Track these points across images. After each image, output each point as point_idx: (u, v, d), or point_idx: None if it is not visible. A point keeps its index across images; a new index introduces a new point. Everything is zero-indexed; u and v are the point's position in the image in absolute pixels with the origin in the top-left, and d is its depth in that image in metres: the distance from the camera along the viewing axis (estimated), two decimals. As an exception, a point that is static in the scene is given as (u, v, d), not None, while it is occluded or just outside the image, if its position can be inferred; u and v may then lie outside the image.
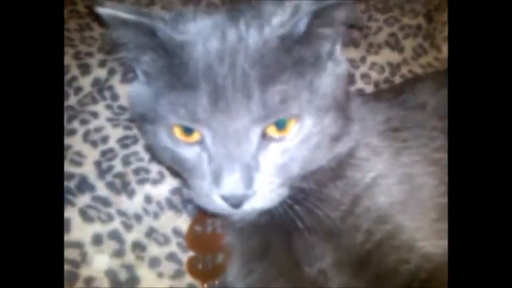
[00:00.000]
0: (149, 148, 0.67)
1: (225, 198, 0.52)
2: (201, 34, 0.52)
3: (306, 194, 0.56)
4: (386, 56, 1.01)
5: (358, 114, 0.63)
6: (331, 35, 0.54)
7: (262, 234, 0.60)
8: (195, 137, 0.53)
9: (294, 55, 0.51)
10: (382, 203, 0.56)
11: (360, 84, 0.97)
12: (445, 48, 1.06)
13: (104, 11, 0.51)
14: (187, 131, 0.52)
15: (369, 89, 0.96)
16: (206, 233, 0.67)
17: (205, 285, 0.65)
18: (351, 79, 0.97)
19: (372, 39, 1.03)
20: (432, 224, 0.56)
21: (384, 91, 0.86)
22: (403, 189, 0.58)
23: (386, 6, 1.09)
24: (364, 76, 0.98)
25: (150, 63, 0.54)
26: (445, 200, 0.58)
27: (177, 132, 0.53)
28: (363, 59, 1.00)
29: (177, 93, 0.51)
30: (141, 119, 0.57)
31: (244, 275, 0.61)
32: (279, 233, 0.59)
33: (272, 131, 0.52)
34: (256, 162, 0.51)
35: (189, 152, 0.53)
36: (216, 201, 0.53)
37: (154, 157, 0.67)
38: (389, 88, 0.88)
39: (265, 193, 0.52)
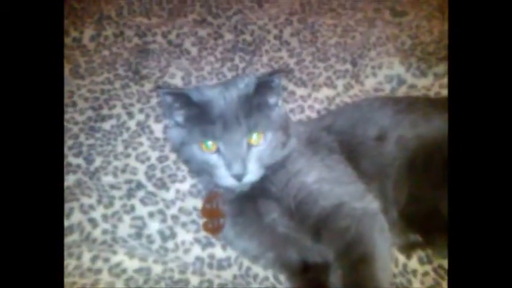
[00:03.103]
0: (186, 161, 1.05)
1: (234, 176, 0.94)
2: (214, 96, 0.98)
3: (267, 176, 1.01)
4: (325, 92, 1.48)
5: (294, 132, 1.08)
6: (272, 93, 1.02)
7: (241, 204, 1.05)
8: (213, 147, 0.95)
9: (253, 103, 0.97)
10: (303, 181, 1.03)
11: (307, 112, 1.42)
12: (367, 82, 1.53)
13: (164, 90, 0.98)
14: (209, 145, 0.95)
15: (314, 115, 1.42)
16: (213, 207, 1.09)
17: (214, 236, 1.12)
18: (301, 109, 1.46)
19: (315, 81, 1.52)
20: (332, 189, 1.03)
21: (319, 117, 1.35)
22: (317, 172, 1.05)
23: (326, 56, 1.60)
24: (310, 107, 1.44)
25: (184, 114, 0.98)
26: (348, 178, 1.06)
27: (203, 147, 0.95)
28: (309, 95, 1.47)
29: (204, 126, 0.95)
30: (181, 145, 0.99)
31: (233, 227, 1.07)
32: (251, 201, 1.03)
33: (252, 140, 0.96)
34: (247, 157, 0.96)
35: (211, 157, 0.97)
36: (229, 179, 0.95)
37: (189, 166, 1.07)
38: (321, 115, 1.37)
39: (253, 172, 0.96)
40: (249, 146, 0.96)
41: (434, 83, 1.46)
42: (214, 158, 0.96)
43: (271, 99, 1.01)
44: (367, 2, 1.84)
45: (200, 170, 1.03)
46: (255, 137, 0.96)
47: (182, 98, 0.97)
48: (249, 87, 0.98)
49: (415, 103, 1.18)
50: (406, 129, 1.09)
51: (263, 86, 0.98)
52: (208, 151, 0.96)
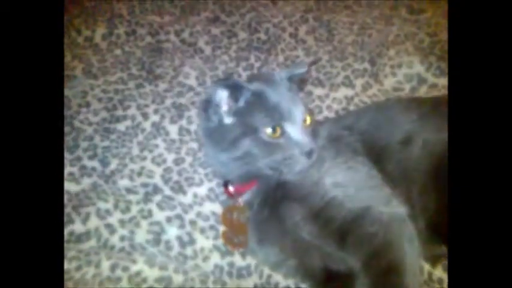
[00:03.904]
0: (240, 157, 0.97)
1: (306, 153, 0.94)
2: (261, 88, 0.97)
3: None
4: (343, 91, 1.46)
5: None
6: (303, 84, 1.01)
7: (263, 210, 1.01)
8: (278, 132, 0.93)
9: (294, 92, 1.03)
10: (328, 183, 0.98)
11: (325, 113, 1.40)
12: (386, 82, 1.50)
13: (224, 83, 0.96)
14: (275, 130, 0.93)
15: (332, 116, 1.39)
16: (233, 219, 1.06)
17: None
18: (319, 110, 1.43)
19: (332, 80, 1.49)
20: (358, 193, 0.99)
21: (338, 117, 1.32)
22: (342, 175, 1.01)
23: (343, 55, 1.56)
24: (328, 107, 1.42)
25: (238, 107, 0.96)
26: (373, 181, 1.03)
27: (268, 134, 0.93)
28: (327, 95, 1.44)
29: (264, 114, 0.94)
30: (235, 140, 0.95)
31: (255, 234, 1.04)
32: (273, 207, 0.99)
33: (306, 122, 0.97)
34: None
35: (279, 141, 0.94)
36: (301, 159, 0.94)
37: (243, 161, 0.97)
38: (339, 115, 1.34)
39: (316, 150, 0.96)
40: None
41: (455, 83, 1.42)
42: (282, 141, 0.95)
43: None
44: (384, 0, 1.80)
45: (256, 162, 0.97)
46: (308, 118, 0.99)
47: (239, 89, 0.96)
48: (285, 80, 1.03)
49: (439, 105, 1.14)
50: (431, 133, 1.06)
51: (296, 78, 1.06)
52: (274, 137, 0.95)
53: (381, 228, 0.93)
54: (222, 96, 0.96)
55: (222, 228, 1.11)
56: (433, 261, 1.05)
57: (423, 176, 1.03)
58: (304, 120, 0.98)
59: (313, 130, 1.01)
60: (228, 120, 0.97)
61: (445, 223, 0.99)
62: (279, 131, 0.94)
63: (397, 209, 0.97)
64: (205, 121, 1.01)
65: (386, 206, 0.97)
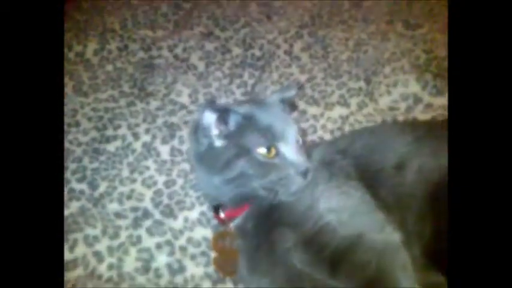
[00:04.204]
0: (234, 179, 0.95)
1: (301, 173, 0.92)
2: (253, 111, 0.96)
3: (286, 202, 0.96)
4: (338, 111, 1.43)
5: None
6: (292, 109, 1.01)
7: (254, 238, 0.99)
8: (273, 152, 0.92)
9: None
10: (321, 209, 0.95)
11: (319, 132, 1.37)
12: (381, 101, 1.48)
13: (211, 107, 0.94)
14: (269, 151, 0.92)
15: (327, 136, 1.37)
16: (224, 245, 1.03)
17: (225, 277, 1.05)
18: (313, 129, 1.40)
19: (327, 99, 1.47)
20: (351, 219, 0.97)
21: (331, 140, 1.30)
22: (335, 201, 0.99)
23: (338, 73, 1.54)
24: (323, 126, 1.39)
25: (227, 130, 0.94)
26: (367, 207, 1.01)
27: (262, 154, 0.92)
28: (322, 114, 1.42)
29: (257, 135, 0.92)
30: (227, 163, 0.93)
31: (246, 263, 1.01)
32: (264, 234, 0.97)
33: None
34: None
35: (274, 161, 0.92)
36: (297, 179, 0.92)
37: (236, 183, 0.95)
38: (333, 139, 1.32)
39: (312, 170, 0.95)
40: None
41: (452, 103, 1.40)
42: (277, 161, 0.94)
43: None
44: (380, 14, 1.78)
45: (250, 183, 0.95)
46: (300, 139, 0.99)
47: (228, 113, 0.95)
48: (277, 102, 1.04)
49: (435, 128, 1.12)
50: (427, 157, 1.03)
51: (287, 102, 1.06)
52: (269, 157, 0.93)
53: (374, 256, 0.91)
54: (211, 120, 0.94)
55: (213, 254, 1.08)
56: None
57: (418, 202, 1.01)
58: (297, 141, 0.97)
59: (306, 151, 1.00)
60: (218, 143, 0.95)
61: (441, 250, 0.98)
62: (273, 151, 0.93)
63: (391, 235, 0.95)
64: (195, 144, 0.99)
65: (380, 233, 0.95)
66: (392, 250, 0.93)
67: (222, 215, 1.03)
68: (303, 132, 1.02)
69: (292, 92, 1.08)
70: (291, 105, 1.11)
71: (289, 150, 0.95)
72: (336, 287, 0.95)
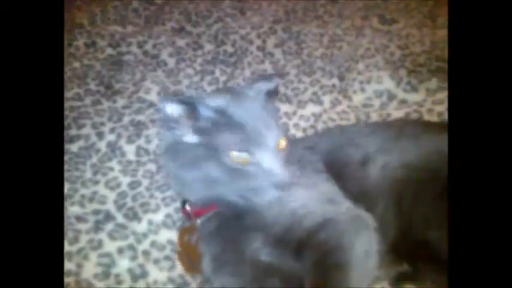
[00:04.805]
0: (200, 180, 0.88)
1: (276, 186, 0.84)
2: (226, 105, 0.86)
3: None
4: (311, 108, 1.39)
5: None
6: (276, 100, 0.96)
7: (221, 237, 0.96)
8: (247, 158, 0.82)
9: (268, 110, 0.91)
10: (292, 206, 0.92)
11: (292, 131, 1.34)
12: (355, 98, 1.44)
13: (172, 99, 0.85)
14: (242, 155, 0.82)
15: (299, 134, 1.35)
16: (190, 242, 0.98)
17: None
18: (285, 127, 1.37)
19: (300, 97, 1.43)
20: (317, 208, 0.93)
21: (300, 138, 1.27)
22: (304, 193, 0.96)
23: (311, 70, 1.50)
24: (296, 125, 1.35)
25: (195, 126, 0.85)
26: (335, 195, 0.97)
27: (234, 158, 0.82)
28: (294, 112, 1.38)
29: (228, 136, 0.83)
30: (194, 162, 0.86)
31: (212, 263, 0.97)
32: (232, 234, 0.93)
33: (280, 146, 0.85)
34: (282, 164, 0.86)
35: (247, 168, 0.83)
36: (270, 191, 0.85)
37: (201, 185, 0.89)
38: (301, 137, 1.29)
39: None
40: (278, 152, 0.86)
41: (426, 99, 1.38)
42: (250, 168, 0.84)
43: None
44: (355, 9, 1.75)
45: (217, 187, 0.89)
46: (282, 142, 0.87)
47: (193, 107, 0.85)
48: (260, 95, 0.91)
49: (405, 128, 1.10)
50: (393, 156, 1.01)
51: (271, 93, 0.94)
52: (241, 162, 0.83)
53: (335, 233, 0.89)
54: (178, 112, 0.86)
55: (177, 248, 1.03)
56: (397, 282, 1.00)
57: (384, 200, 0.99)
58: (278, 144, 0.86)
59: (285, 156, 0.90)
60: (188, 138, 0.87)
61: (407, 243, 0.97)
62: (246, 156, 0.83)
63: (361, 213, 0.93)
64: (164, 135, 0.93)
65: (346, 215, 0.93)
66: (354, 219, 0.92)
67: (188, 208, 0.98)
68: (285, 134, 0.93)
69: (274, 83, 0.95)
70: (272, 100, 0.96)
71: (266, 156, 0.84)
72: (302, 276, 0.91)
